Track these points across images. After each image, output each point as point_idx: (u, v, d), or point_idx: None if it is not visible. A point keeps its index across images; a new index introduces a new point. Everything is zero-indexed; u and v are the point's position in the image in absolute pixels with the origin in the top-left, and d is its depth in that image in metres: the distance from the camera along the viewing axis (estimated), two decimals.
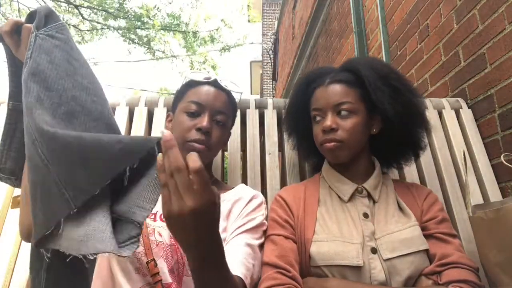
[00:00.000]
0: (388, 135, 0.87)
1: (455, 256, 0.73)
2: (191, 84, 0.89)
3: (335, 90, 0.85)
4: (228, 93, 0.90)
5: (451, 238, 0.78)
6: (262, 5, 12.40)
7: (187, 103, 0.85)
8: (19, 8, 6.06)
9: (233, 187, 0.91)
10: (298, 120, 0.96)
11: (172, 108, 0.94)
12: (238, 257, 0.70)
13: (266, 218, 0.86)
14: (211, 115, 0.84)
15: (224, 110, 0.87)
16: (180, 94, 0.90)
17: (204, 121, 0.82)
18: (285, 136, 1.12)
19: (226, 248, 0.71)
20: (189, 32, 7.15)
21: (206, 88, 0.87)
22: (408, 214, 0.81)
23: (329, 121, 0.82)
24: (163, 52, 7.24)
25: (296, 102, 0.96)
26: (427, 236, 0.78)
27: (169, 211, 0.43)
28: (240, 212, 0.81)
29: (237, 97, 0.95)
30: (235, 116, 0.95)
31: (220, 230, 0.67)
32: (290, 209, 0.85)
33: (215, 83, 0.88)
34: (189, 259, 0.49)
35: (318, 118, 0.86)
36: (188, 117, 0.84)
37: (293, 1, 6.72)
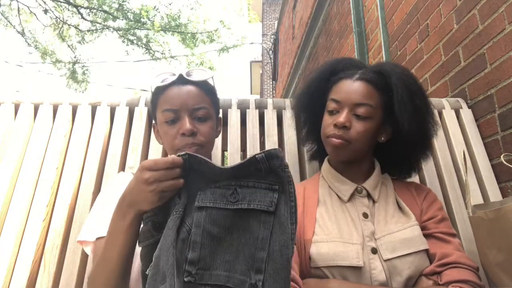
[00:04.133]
0: (393, 148, 0.87)
1: (455, 255, 0.73)
2: (160, 91, 0.84)
3: (361, 89, 0.82)
4: (198, 83, 0.84)
5: (451, 238, 0.78)
6: (262, 5, 12.40)
7: (162, 113, 0.82)
8: (18, 8, 6.05)
9: None
10: (310, 101, 0.92)
11: (153, 118, 0.90)
12: None
13: None
14: (190, 115, 0.81)
15: (200, 104, 0.82)
16: (154, 104, 0.86)
17: (184, 124, 0.79)
18: (285, 136, 1.11)
19: None
20: (188, 33, 7.15)
21: (175, 90, 0.82)
22: (408, 214, 0.81)
23: (343, 117, 0.80)
24: (162, 53, 7.24)
25: (316, 84, 0.91)
26: (427, 236, 0.78)
27: None
28: None
29: (210, 80, 0.89)
30: (215, 102, 0.90)
31: None
32: None
33: (181, 80, 0.83)
34: None
35: (333, 110, 0.84)
36: (169, 126, 0.81)
37: (293, 1, 6.71)
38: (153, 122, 0.90)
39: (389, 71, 0.84)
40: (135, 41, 6.96)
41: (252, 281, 0.52)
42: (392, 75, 0.83)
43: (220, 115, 1.16)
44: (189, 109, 0.81)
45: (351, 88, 0.82)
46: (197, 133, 0.81)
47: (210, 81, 0.89)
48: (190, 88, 0.83)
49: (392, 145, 0.86)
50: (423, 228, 0.79)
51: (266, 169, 0.57)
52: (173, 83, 0.83)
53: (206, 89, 0.86)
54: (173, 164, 0.58)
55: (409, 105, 0.80)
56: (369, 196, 0.84)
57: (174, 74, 0.84)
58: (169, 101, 0.82)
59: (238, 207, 0.55)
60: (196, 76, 0.85)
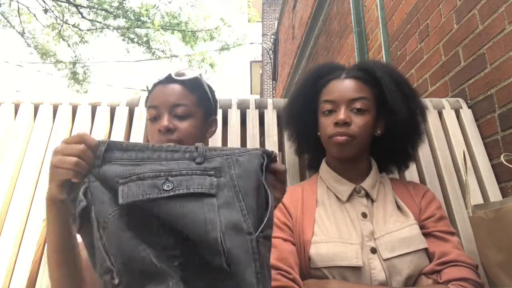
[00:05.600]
0: (388, 141, 0.88)
1: (454, 254, 0.73)
2: (149, 91, 0.87)
3: (352, 85, 0.84)
4: (182, 82, 0.84)
5: (450, 236, 0.78)
6: (262, 5, 12.40)
7: (147, 110, 0.84)
8: (18, 8, 6.06)
9: None
10: (301, 110, 0.94)
11: None
12: None
13: None
14: (169, 112, 0.81)
15: (181, 101, 0.82)
16: (146, 104, 0.88)
17: (162, 121, 0.80)
18: (283, 126, 1.11)
19: None
20: (188, 31, 7.14)
21: (159, 88, 0.84)
22: (406, 213, 0.81)
23: (343, 114, 0.81)
24: (163, 51, 7.23)
25: (303, 92, 0.93)
26: (426, 235, 0.78)
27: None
28: None
29: (198, 77, 0.87)
30: (203, 100, 0.88)
31: None
32: (288, 211, 0.84)
33: (168, 80, 0.84)
34: None
35: (329, 111, 0.85)
36: (152, 123, 0.83)
37: (293, 1, 6.72)
38: None
39: (372, 67, 0.87)
40: (135, 40, 6.96)
41: (216, 263, 0.49)
42: (375, 69, 0.86)
43: (220, 115, 1.16)
44: (168, 106, 0.81)
45: (343, 86, 0.85)
46: (174, 130, 0.80)
47: (203, 81, 0.88)
48: (173, 86, 0.84)
49: (387, 138, 0.88)
50: (422, 227, 0.79)
51: (200, 157, 0.55)
52: (159, 82, 0.85)
53: (191, 87, 0.85)
54: (79, 138, 0.53)
55: (398, 93, 0.83)
56: (367, 195, 0.84)
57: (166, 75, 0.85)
58: (152, 98, 0.84)
59: (176, 193, 0.51)
60: (185, 74, 0.85)
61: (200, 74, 0.87)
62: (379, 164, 0.92)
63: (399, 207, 0.83)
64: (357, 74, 0.86)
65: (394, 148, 0.90)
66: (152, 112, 0.83)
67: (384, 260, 0.73)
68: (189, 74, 0.86)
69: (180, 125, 0.81)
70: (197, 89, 0.86)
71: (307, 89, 0.93)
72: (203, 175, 0.54)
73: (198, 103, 0.85)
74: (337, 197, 0.85)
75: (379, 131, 0.87)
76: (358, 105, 0.82)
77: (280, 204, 0.86)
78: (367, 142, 0.85)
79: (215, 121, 0.94)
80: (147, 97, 0.87)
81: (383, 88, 0.83)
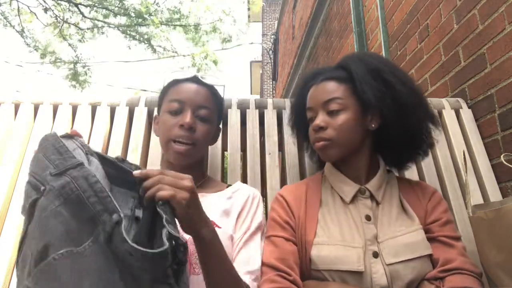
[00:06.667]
0: (387, 131, 0.83)
1: (458, 261, 0.72)
2: (172, 84, 0.88)
3: (325, 88, 0.84)
4: (210, 87, 0.89)
5: (455, 242, 0.76)
6: (262, 5, 12.40)
7: (168, 102, 0.85)
8: (18, 8, 6.05)
9: (230, 184, 0.93)
10: (299, 120, 0.96)
11: (157, 110, 0.93)
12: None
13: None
14: (193, 110, 0.83)
15: (206, 104, 0.85)
16: (162, 95, 0.90)
17: (186, 117, 0.81)
18: (285, 136, 1.12)
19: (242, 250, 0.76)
20: (190, 26, 7.08)
21: (187, 85, 0.86)
22: (412, 217, 0.79)
23: (318, 120, 0.82)
24: (164, 48, 7.19)
25: (296, 103, 0.96)
26: (431, 239, 0.77)
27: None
28: (247, 213, 0.83)
29: (220, 90, 0.93)
30: (220, 110, 0.93)
31: (223, 225, 0.76)
32: (291, 209, 0.83)
33: (195, 79, 0.88)
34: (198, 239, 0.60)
35: (311, 118, 0.86)
36: (171, 116, 0.84)
37: (293, 1, 6.72)
38: (155, 114, 0.93)
39: (347, 61, 0.86)
40: (136, 37, 6.94)
41: None
42: (349, 63, 0.85)
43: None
44: (194, 105, 0.84)
45: (317, 91, 0.85)
46: (195, 129, 0.83)
47: (220, 91, 0.93)
48: (200, 87, 0.87)
49: (388, 129, 0.83)
50: (427, 231, 0.78)
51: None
52: (186, 80, 0.87)
53: (215, 95, 0.90)
54: None
55: (372, 82, 0.80)
56: (372, 197, 0.82)
57: (189, 74, 0.89)
58: (178, 93, 0.85)
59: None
60: (208, 80, 0.89)
61: (224, 86, 0.92)
62: (390, 159, 0.89)
63: (404, 210, 0.82)
64: (333, 74, 0.85)
65: (399, 137, 0.84)
66: (174, 105, 0.84)
67: (387, 265, 0.72)
68: (216, 81, 0.90)
69: (201, 128, 0.84)
70: (217, 97, 0.91)
71: (298, 100, 0.95)
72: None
73: (216, 110, 0.89)
74: (341, 197, 0.84)
75: (373, 125, 0.83)
76: (332, 106, 0.81)
77: (283, 201, 0.85)
78: (354, 140, 0.82)
79: (219, 130, 0.97)
80: (166, 89, 0.89)
81: (355, 81, 0.81)
